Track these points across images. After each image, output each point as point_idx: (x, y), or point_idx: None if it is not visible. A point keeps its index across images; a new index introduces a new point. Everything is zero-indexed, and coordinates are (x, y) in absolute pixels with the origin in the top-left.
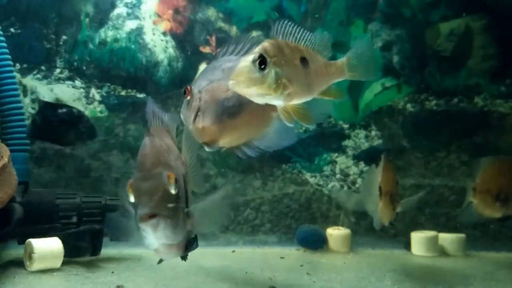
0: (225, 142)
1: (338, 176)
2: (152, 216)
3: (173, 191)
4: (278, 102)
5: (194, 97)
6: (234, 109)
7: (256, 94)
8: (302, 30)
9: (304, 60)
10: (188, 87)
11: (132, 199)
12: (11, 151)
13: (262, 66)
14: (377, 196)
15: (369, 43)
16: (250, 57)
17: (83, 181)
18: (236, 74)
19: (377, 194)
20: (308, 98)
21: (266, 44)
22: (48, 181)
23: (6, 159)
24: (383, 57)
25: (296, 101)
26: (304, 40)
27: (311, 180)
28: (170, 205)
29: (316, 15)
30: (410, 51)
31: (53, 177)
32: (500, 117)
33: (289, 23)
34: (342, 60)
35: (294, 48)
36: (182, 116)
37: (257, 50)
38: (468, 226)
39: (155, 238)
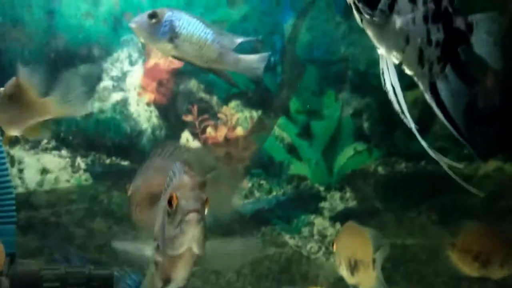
0: None
1: (316, 237)
2: (197, 212)
3: (206, 211)
4: None
5: (132, 192)
6: None
7: None
8: None
9: None
10: (127, 185)
11: (173, 206)
12: None
13: None
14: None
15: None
16: None
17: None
18: None
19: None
20: None
21: None
22: (33, 249)
23: None
24: (354, 124)
25: None
26: None
27: (290, 241)
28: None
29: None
30: (379, 118)
31: (38, 245)
32: (465, 179)
33: None
34: None
35: None
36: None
37: None
38: (440, 283)
39: (191, 235)
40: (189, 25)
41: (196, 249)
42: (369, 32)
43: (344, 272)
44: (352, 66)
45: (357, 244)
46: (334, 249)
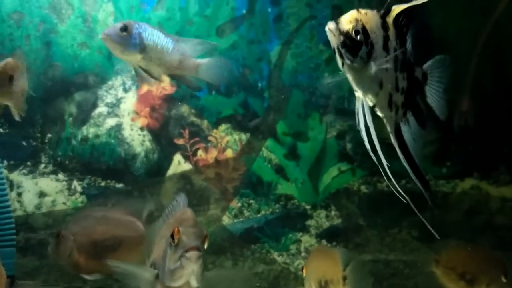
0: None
1: (303, 254)
2: (198, 250)
3: (205, 246)
4: None
5: (67, 238)
6: (112, 247)
7: None
8: None
9: None
10: (61, 232)
11: (175, 241)
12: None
13: None
14: None
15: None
16: None
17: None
18: None
19: None
20: None
21: None
22: (32, 269)
23: None
24: (338, 145)
25: None
26: None
27: (279, 259)
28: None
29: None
30: (361, 139)
31: (36, 265)
32: (443, 196)
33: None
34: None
35: None
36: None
37: None
38: None
39: (190, 270)
40: (153, 35)
41: (194, 283)
42: (349, 76)
43: None
44: (335, 91)
45: (325, 265)
46: (304, 274)
